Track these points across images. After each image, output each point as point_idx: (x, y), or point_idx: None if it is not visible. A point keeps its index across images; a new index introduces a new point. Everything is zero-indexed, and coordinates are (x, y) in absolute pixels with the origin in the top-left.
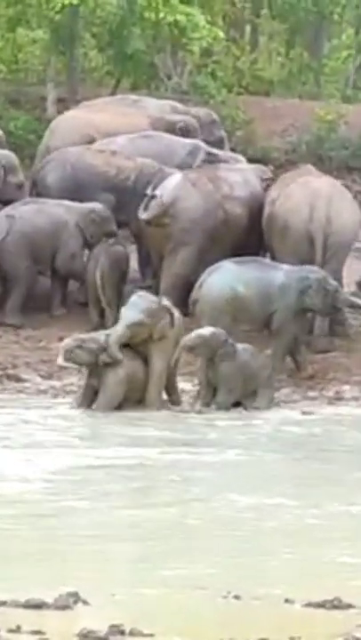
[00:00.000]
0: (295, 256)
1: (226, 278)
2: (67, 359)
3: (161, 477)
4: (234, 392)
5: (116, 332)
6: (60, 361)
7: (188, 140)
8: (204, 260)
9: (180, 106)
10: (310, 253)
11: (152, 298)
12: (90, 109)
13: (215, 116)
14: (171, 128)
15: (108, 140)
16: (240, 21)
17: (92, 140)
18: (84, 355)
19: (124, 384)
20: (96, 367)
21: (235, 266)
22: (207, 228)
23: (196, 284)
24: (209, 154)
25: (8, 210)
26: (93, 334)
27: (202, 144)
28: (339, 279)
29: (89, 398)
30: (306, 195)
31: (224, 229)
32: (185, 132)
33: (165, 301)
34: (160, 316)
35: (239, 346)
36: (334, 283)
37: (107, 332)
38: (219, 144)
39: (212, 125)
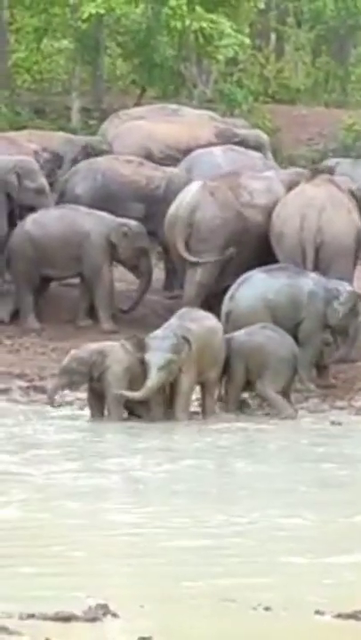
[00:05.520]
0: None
1: (257, 289)
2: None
3: (186, 488)
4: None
5: (151, 379)
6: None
7: (256, 153)
8: (228, 267)
9: (217, 116)
10: (303, 262)
11: (168, 333)
12: (152, 120)
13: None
14: (235, 141)
15: (206, 150)
16: (266, 29)
17: (150, 152)
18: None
19: (124, 379)
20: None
21: (265, 275)
22: (226, 237)
23: (227, 296)
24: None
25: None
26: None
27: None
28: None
29: (97, 407)
30: (299, 204)
31: (245, 237)
32: (255, 145)
33: (185, 331)
34: (183, 349)
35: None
36: (356, 307)
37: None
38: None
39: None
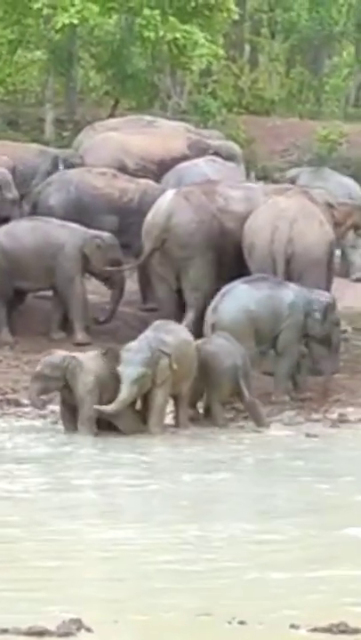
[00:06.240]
0: None
1: (240, 300)
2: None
3: (161, 502)
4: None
5: (123, 393)
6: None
7: (233, 164)
8: (221, 272)
9: (192, 128)
10: (274, 273)
11: (142, 346)
12: (126, 131)
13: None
14: (208, 152)
15: (191, 162)
16: (240, 40)
17: (124, 164)
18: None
19: (96, 390)
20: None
21: (246, 286)
22: (206, 239)
23: (210, 308)
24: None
25: (4, 226)
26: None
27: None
28: None
29: (70, 419)
30: (271, 215)
31: (223, 242)
32: (227, 156)
33: (160, 343)
34: (157, 361)
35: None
36: (337, 316)
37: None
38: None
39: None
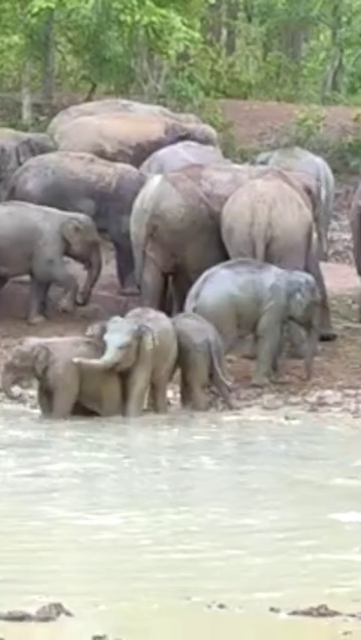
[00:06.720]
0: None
1: (222, 285)
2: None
3: (143, 485)
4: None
5: (110, 352)
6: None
7: (210, 147)
8: (223, 254)
9: (168, 111)
10: (253, 257)
11: (129, 320)
12: (102, 116)
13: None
14: (184, 136)
15: (169, 148)
16: (216, 24)
17: (102, 148)
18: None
19: (75, 379)
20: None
21: (228, 270)
22: (196, 223)
23: (191, 293)
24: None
25: None
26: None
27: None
28: None
29: (47, 404)
30: (250, 198)
31: (213, 225)
32: (202, 139)
33: (144, 322)
34: (142, 336)
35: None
36: (319, 296)
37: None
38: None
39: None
